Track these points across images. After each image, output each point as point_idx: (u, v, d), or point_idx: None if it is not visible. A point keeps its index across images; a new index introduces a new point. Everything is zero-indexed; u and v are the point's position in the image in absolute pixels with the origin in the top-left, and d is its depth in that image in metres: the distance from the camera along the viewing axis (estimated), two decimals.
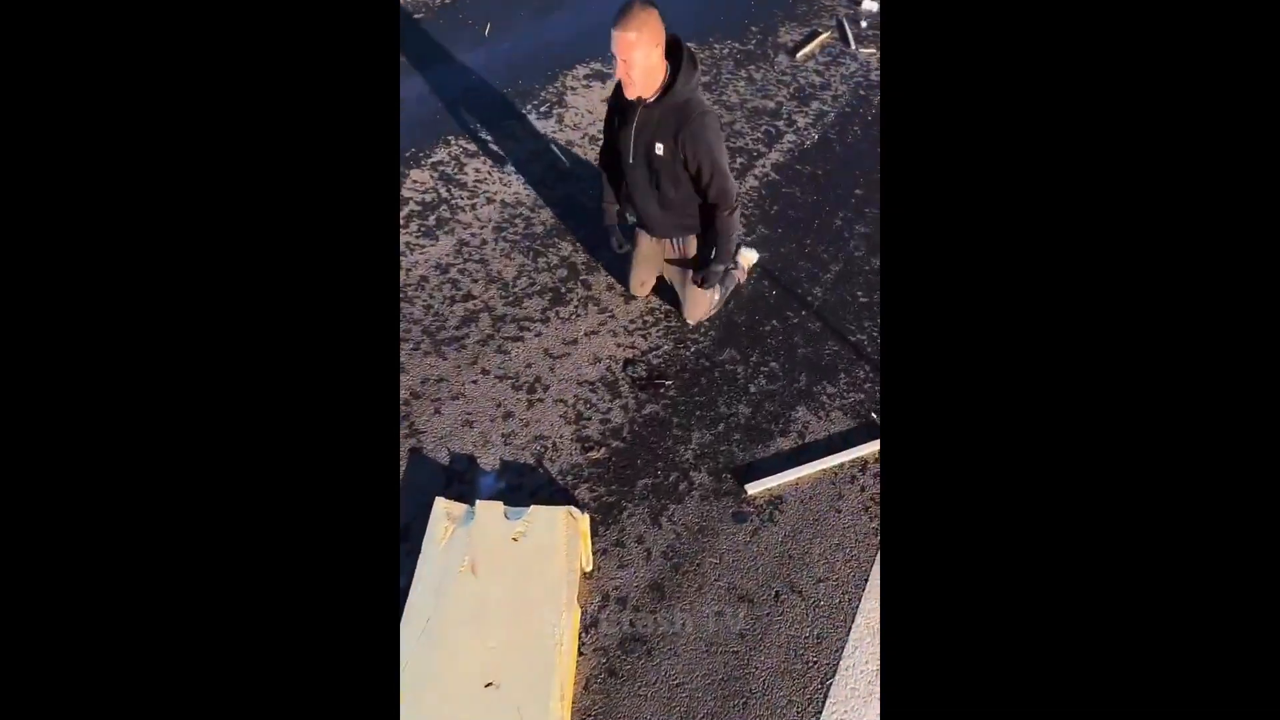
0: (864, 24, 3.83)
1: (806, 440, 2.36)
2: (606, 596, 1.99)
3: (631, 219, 2.58)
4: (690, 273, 2.52)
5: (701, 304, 2.59)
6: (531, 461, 2.27)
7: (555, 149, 3.30)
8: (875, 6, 3.87)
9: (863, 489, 2.26)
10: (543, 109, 3.50)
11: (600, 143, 2.52)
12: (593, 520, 2.14)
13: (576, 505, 2.16)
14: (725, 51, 3.79)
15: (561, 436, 2.33)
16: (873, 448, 2.32)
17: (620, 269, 2.81)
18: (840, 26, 3.83)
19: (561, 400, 2.42)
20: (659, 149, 2.20)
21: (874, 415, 2.42)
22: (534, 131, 3.39)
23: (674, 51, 2.10)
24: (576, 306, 2.70)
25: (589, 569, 2.04)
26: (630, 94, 2.11)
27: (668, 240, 2.53)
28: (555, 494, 2.20)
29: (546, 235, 2.94)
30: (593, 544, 2.09)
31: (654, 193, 2.31)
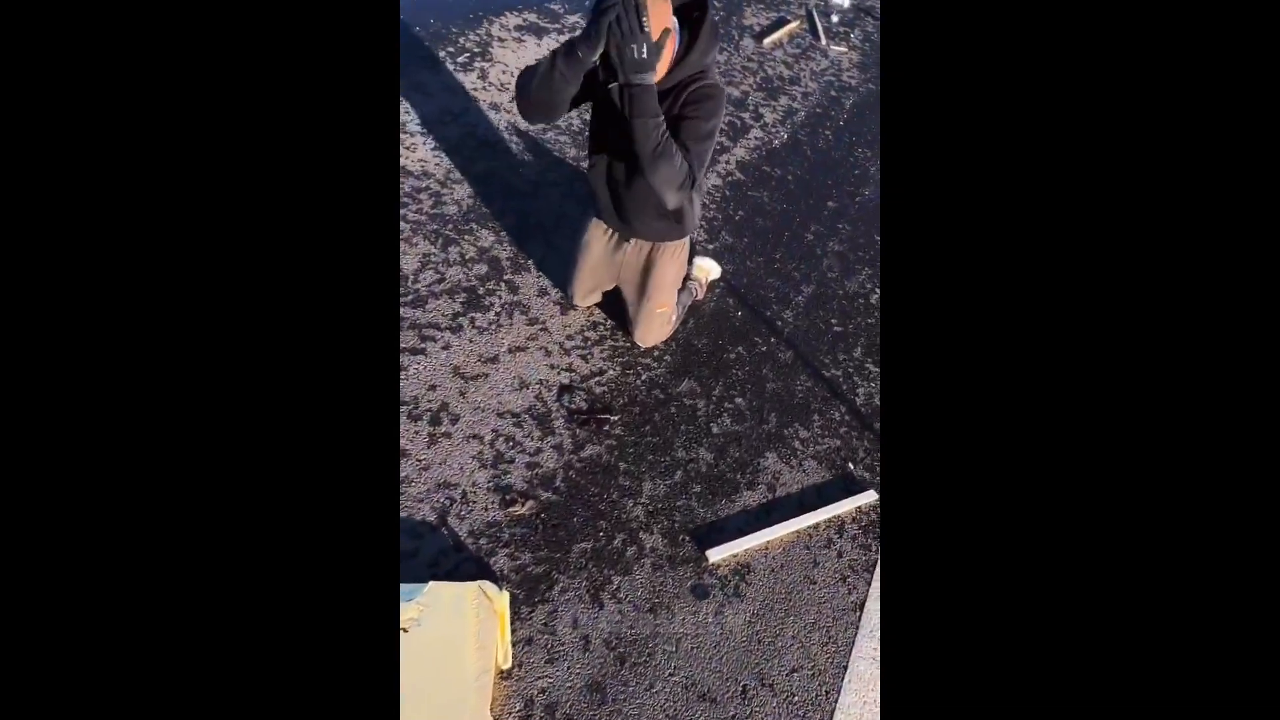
0: (834, 18, 3.57)
1: (777, 494, 2.02)
2: (530, 702, 1.55)
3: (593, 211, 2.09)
4: (650, 290, 2.10)
5: (657, 327, 2.18)
6: (432, 518, 1.77)
7: (477, 111, 2.77)
8: (846, 1, 3.62)
9: (839, 554, 1.95)
10: (460, 60, 2.95)
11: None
12: (513, 598, 1.68)
13: (492, 579, 1.69)
14: None
15: (474, 485, 1.84)
16: (850, 504, 2.02)
17: (558, 270, 2.34)
18: (810, 18, 3.55)
19: (475, 436, 1.93)
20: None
21: (850, 466, 2.13)
22: (449, 85, 2.83)
23: (691, 12, 1.64)
24: (499, 314, 2.21)
25: (506, 665, 1.58)
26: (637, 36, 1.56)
27: (632, 243, 2.10)
28: (463, 564, 1.72)
29: (461, 219, 2.42)
30: (513, 631, 1.63)
31: (640, 187, 1.81)
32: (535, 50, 3.08)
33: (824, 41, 3.44)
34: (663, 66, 1.64)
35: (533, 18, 3.25)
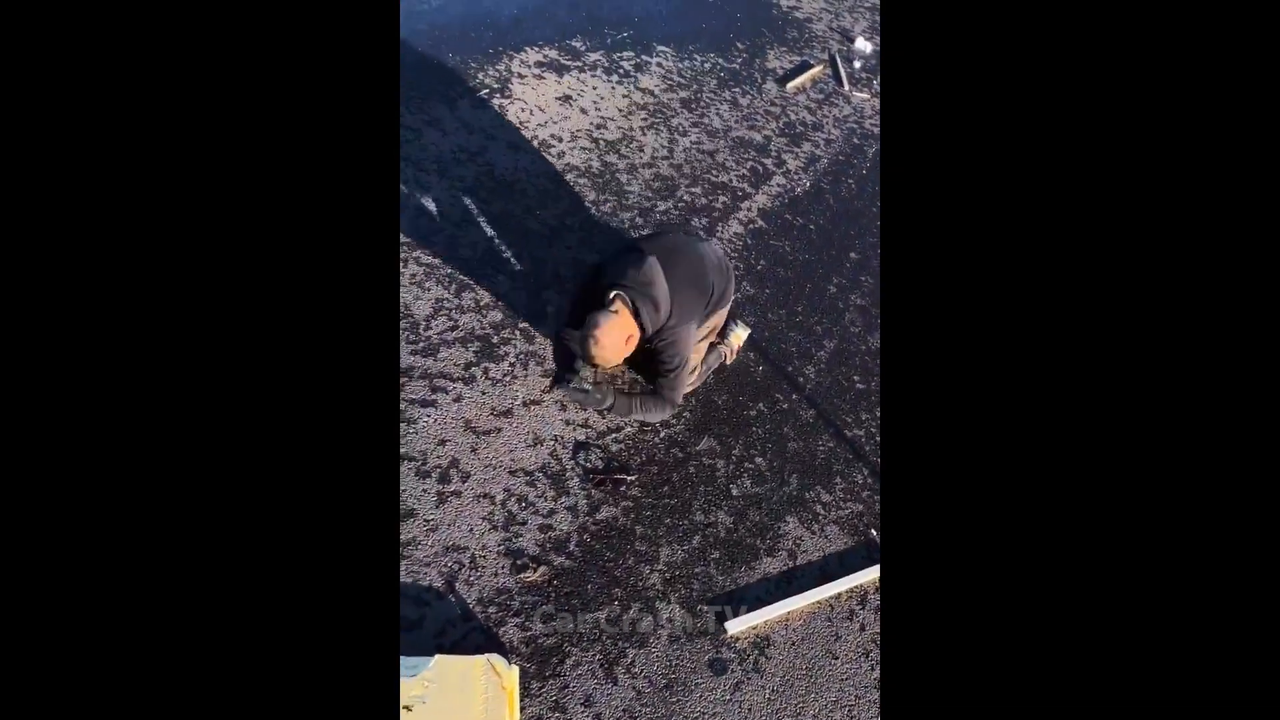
0: (857, 64, 3.61)
1: (798, 561, 1.97)
2: None
3: None
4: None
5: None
6: (439, 584, 1.73)
7: (495, 150, 2.78)
8: (870, 47, 3.67)
9: (862, 627, 1.90)
10: (480, 95, 2.98)
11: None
12: (524, 673, 1.64)
13: (501, 652, 1.65)
14: (707, 66, 3.44)
15: (484, 548, 1.81)
16: (873, 574, 1.98)
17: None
18: (834, 63, 3.59)
19: (486, 495, 1.90)
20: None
21: (874, 533, 2.09)
22: (466, 122, 2.86)
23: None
24: (513, 364, 2.19)
25: None
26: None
27: None
28: (471, 634, 1.67)
29: (476, 263, 2.41)
30: (522, 709, 1.58)
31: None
32: (555, 88, 3.11)
33: (847, 87, 3.48)
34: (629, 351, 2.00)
35: (554, 54, 3.29)
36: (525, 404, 2.11)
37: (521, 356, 2.22)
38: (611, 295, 1.94)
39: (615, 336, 1.91)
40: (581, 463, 2.01)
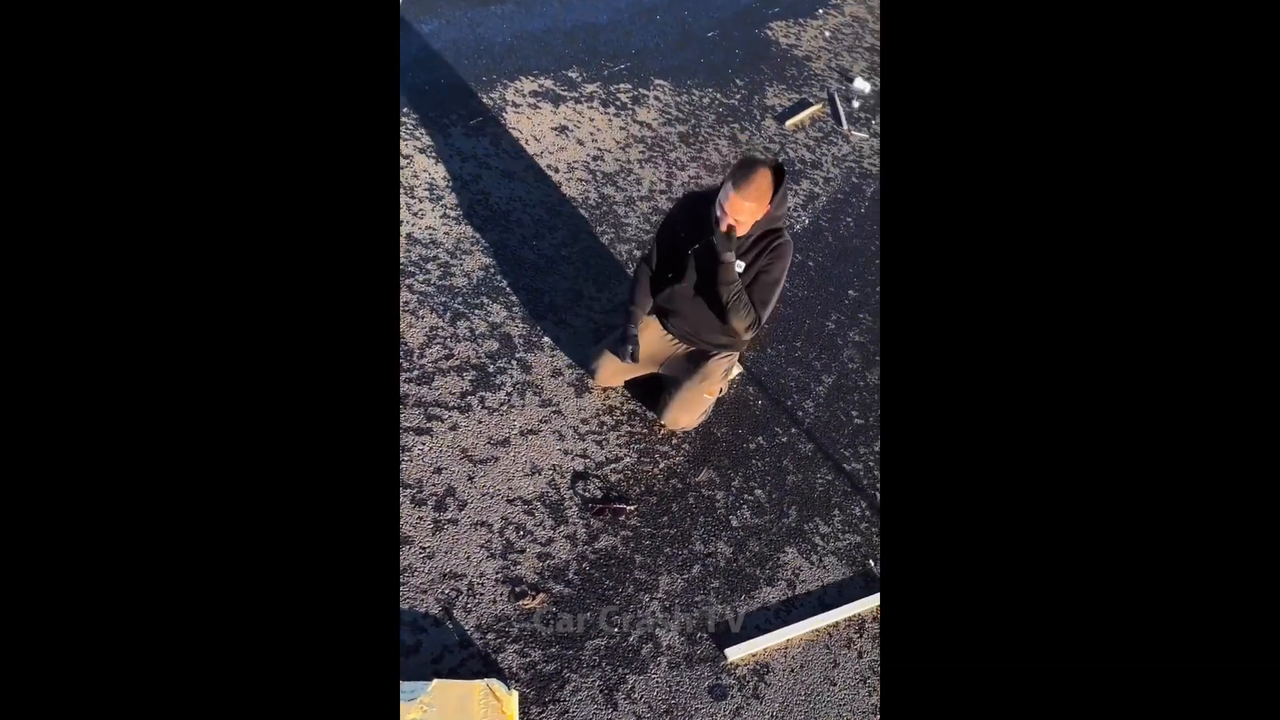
0: (855, 104, 4.03)
1: (797, 591, 2.21)
2: None
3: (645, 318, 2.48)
4: (707, 371, 2.39)
5: (698, 412, 2.44)
6: (436, 611, 1.94)
7: (489, 178, 3.10)
8: (868, 87, 4.10)
9: (860, 655, 2.13)
10: (473, 123, 3.31)
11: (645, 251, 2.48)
12: (522, 699, 1.84)
13: (500, 677, 1.85)
14: (706, 101, 3.83)
15: (482, 576, 2.03)
16: (870, 603, 2.22)
17: (573, 349, 2.60)
18: (832, 102, 4.00)
19: (484, 524, 2.13)
20: (739, 266, 2.28)
21: (871, 564, 2.34)
22: (460, 150, 3.18)
23: (773, 174, 2.18)
24: (510, 394, 2.44)
25: None
26: (724, 228, 2.22)
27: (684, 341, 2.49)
28: (469, 660, 1.88)
29: (471, 292, 2.69)
30: None
31: (704, 317, 2.38)
32: (551, 118, 3.47)
33: (845, 127, 3.88)
34: (746, 228, 2.22)
35: (549, 84, 3.66)
36: (523, 434, 2.36)
37: (519, 386, 2.47)
38: (753, 159, 2.17)
39: (762, 184, 2.11)
40: (580, 492, 2.25)
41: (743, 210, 2.13)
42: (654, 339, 2.45)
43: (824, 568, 2.29)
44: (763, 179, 2.11)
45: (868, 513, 2.45)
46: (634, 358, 2.35)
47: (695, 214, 2.28)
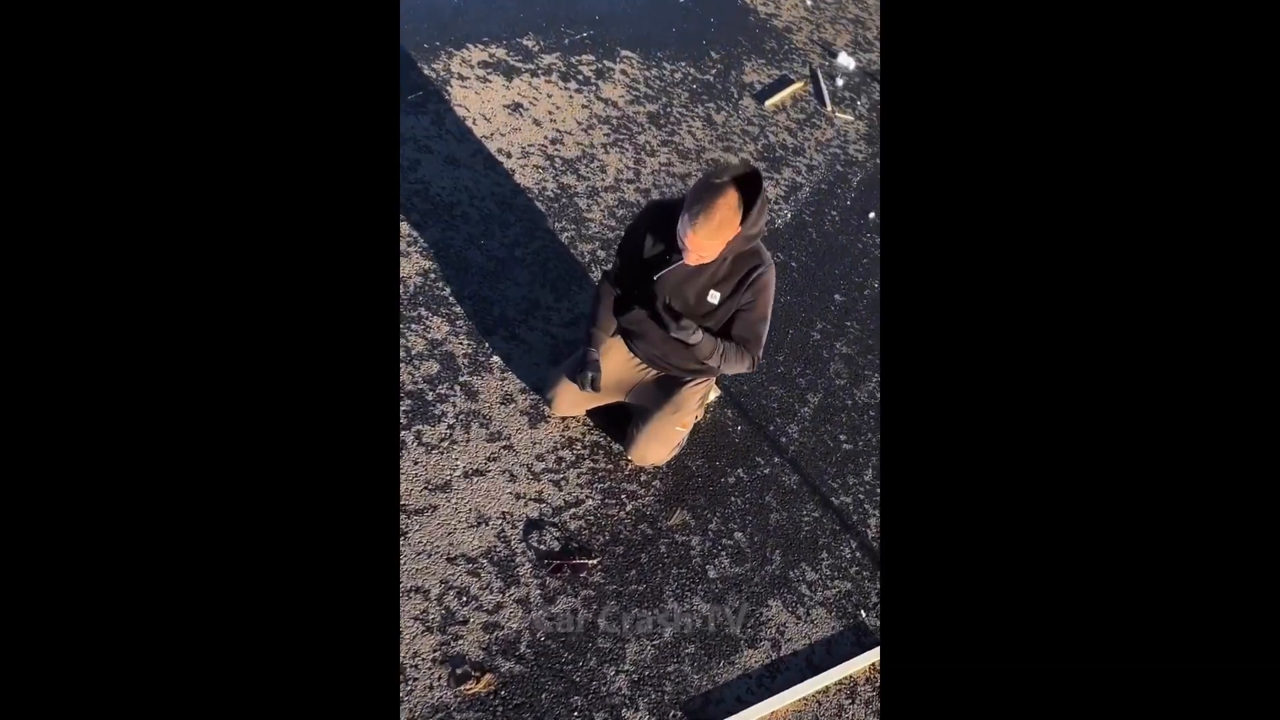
0: (840, 81, 3.75)
1: (782, 651, 1.99)
2: None
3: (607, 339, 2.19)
4: (679, 401, 2.13)
5: (669, 446, 2.18)
6: None
7: (429, 165, 2.76)
8: (852, 63, 3.82)
9: None
10: (410, 99, 2.96)
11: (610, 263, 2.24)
12: None
13: None
14: (678, 76, 3.51)
15: (416, 656, 1.76)
16: (863, 661, 2.02)
17: (526, 370, 2.32)
18: (815, 79, 3.72)
19: (419, 590, 1.85)
20: (713, 296, 2.02)
21: (863, 615, 2.13)
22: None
23: (746, 186, 1.88)
24: (452, 426, 2.16)
25: None
26: (690, 263, 1.95)
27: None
28: None
29: (407, 302, 2.38)
30: None
31: (674, 344, 2.10)
32: (503, 94, 3.12)
33: (829, 107, 3.60)
34: (715, 255, 1.92)
35: (501, 53, 3.30)
36: (466, 475, 2.08)
37: (462, 417, 2.19)
38: (716, 180, 1.85)
39: (726, 211, 1.82)
40: (535, 545, 1.99)
41: (705, 247, 1.86)
42: (619, 364, 2.17)
43: (811, 622, 2.07)
44: (726, 206, 1.81)
45: (858, 554, 2.24)
46: (595, 386, 2.08)
47: (660, 228, 2.00)
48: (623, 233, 2.77)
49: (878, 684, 1.99)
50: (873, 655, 2.04)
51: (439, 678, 1.73)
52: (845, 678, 2.00)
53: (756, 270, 1.97)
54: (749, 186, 1.88)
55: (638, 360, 2.19)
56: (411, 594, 1.83)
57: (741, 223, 1.85)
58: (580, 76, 3.32)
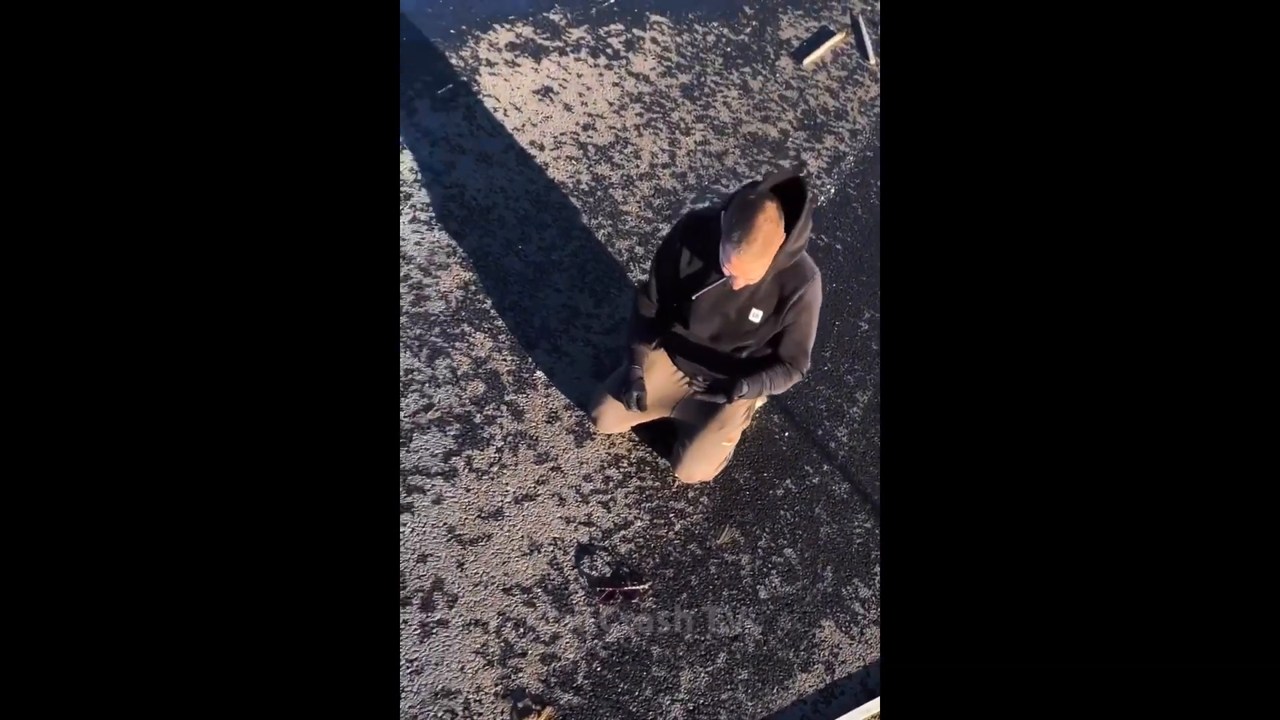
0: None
1: (836, 675, 2.02)
2: None
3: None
4: (725, 416, 2.10)
5: (717, 462, 2.18)
6: None
7: (464, 166, 2.70)
8: None
9: None
10: (441, 93, 2.87)
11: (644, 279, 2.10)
12: None
13: None
14: (710, 40, 3.33)
15: (479, 690, 1.83)
16: None
17: (569, 384, 2.32)
18: (856, 28, 3.49)
19: (478, 623, 1.91)
20: (754, 315, 1.97)
21: None
22: (428, 130, 2.77)
23: (789, 195, 1.82)
24: (501, 450, 2.18)
25: None
26: (738, 286, 1.89)
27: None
28: None
29: (450, 319, 2.37)
30: None
31: (722, 356, 2.08)
32: (532, 78, 3.01)
33: (873, 60, 3.39)
34: (763, 272, 1.85)
35: (528, 32, 3.17)
36: (517, 500, 2.11)
37: (510, 439, 2.20)
38: (753, 194, 1.79)
39: (769, 228, 1.75)
40: (586, 571, 2.03)
41: (752, 270, 1.79)
42: (663, 380, 2.15)
43: (866, 642, 2.09)
44: (768, 222, 1.74)
45: None
46: (641, 405, 2.06)
47: (697, 243, 1.93)
48: (661, 229, 2.70)
49: None
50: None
51: (501, 712, 1.80)
52: None
53: (799, 290, 1.91)
54: (792, 196, 1.79)
55: (682, 374, 2.16)
56: (472, 628, 1.90)
57: (786, 235, 1.78)
58: (610, 50, 3.17)
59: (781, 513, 2.24)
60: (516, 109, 2.93)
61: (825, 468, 2.35)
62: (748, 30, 3.42)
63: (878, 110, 3.29)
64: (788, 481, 2.30)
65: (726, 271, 1.79)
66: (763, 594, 2.10)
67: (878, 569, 2.21)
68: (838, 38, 3.44)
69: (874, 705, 1.97)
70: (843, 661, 2.04)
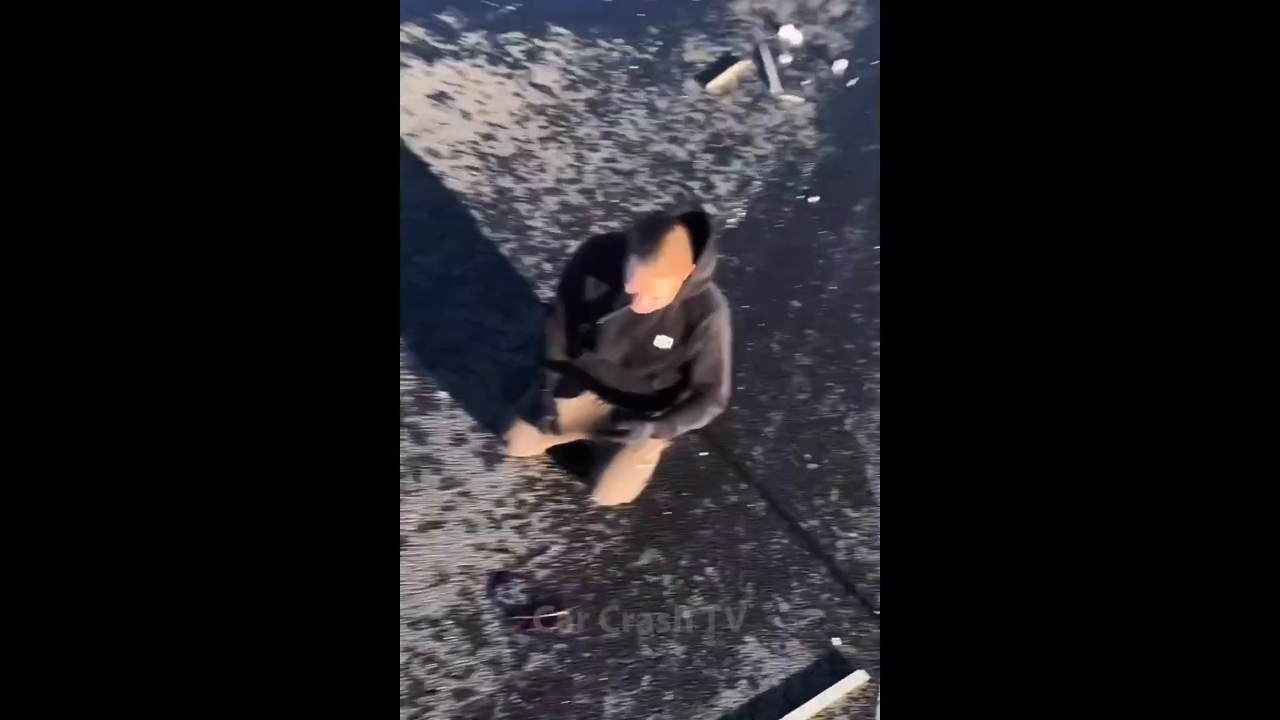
0: (786, 59, 3.65)
1: (760, 688, 2.02)
2: None
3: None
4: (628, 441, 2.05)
5: (631, 481, 2.13)
6: None
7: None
8: (799, 38, 3.72)
9: None
10: None
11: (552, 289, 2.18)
12: None
13: None
14: (615, 56, 3.35)
15: None
16: (839, 691, 2.06)
17: (478, 404, 2.23)
18: (759, 57, 3.61)
19: None
20: (661, 342, 1.95)
21: (835, 641, 2.17)
22: None
23: (694, 228, 1.84)
24: (403, 474, 2.04)
25: None
26: (642, 311, 1.88)
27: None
28: None
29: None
30: None
31: (635, 381, 2.07)
32: (425, 82, 2.91)
33: (775, 89, 3.51)
34: (668, 300, 1.85)
35: (419, 33, 3.07)
36: (422, 529, 1.99)
37: (412, 464, 2.08)
38: (663, 218, 1.82)
39: (678, 249, 1.75)
40: (501, 599, 1.93)
41: (656, 287, 1.79)
42: (577, 402, 2.10)
43: (787, 655, 2.09)
44: (676, 242, 1.76)
45: (828, 579, 2.26)
46: (555, 429, 2.00)
47: (602, 268, 1.92)
48: (569, 246, 2.66)
49: (854, 712, 2.04)
50: (847, 683, 2.08)
51: None
52: (823, 710, 2.04)
53: (705, 319, 1.93)
54: (697, 227, 1.82)
55: (596, 397, 2.12)
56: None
57: (694, 261, 1.80)
58: (509, 58, 3.13)
59: (702, 532, 2.23)
60: (409, 113, 2.82)
61: (743, 486, 2.36)
62: (652, 50, 3.47)
63: (782, 136, 3.40)
64: (707, 500, 2.29)
65: (630, 289, 1.78)
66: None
67: (796, 583, 2.23)
68: (742, 65, 3.55)
69: (795, 716, 1.98)
70: (765, 675, 2.04)
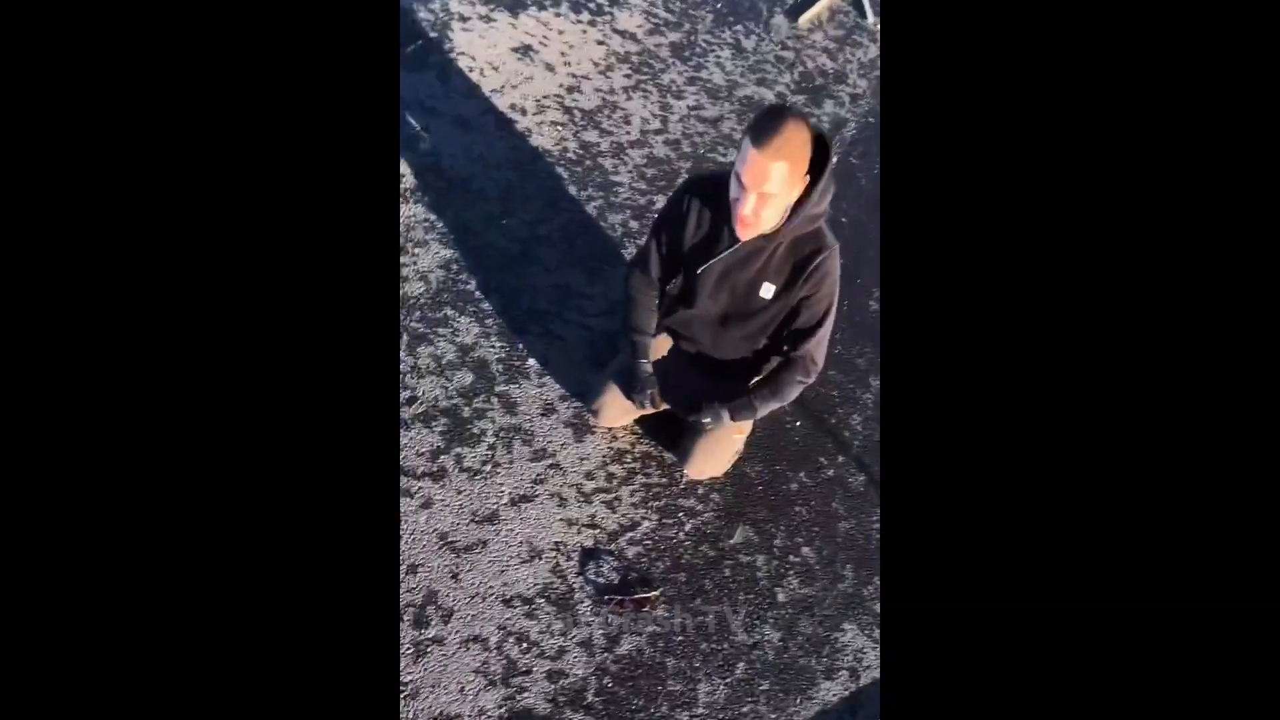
0: None
1: (861, 681, 1.93)
2: None
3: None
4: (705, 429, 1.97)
5: (722, 454, 2.04)
6: None
7: (438, 131, 2.49)
8: None
9: None
10: (410, 50, 2.66)
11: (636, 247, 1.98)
12: None
13: None
14: None
15: (481, 714, 1.70)
16: None
17: (565, 371, 2.16)
18: None
19: (477, 639, 1.77)
20: (765, 290, 1.79)
21: None
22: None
23: (811, 154, 1.61)
24: (493, 446, 2.01)
25: None
26: (745, 234, 1.69)
27: None
28: None
29: (431, 302, 2.19)
30: None
31: (731, 342, 1.93)
32: (510, 35, 2.79)
33: (870, 18, 3.24)
34: (774, 219, 1.67)
35: None
36: (513, 502, 1.95)
37: (503, 434, 2.04)
38: (784, 110, 1.61)
39: (796, 140, 1.53)
40: (592, 578, 1.89)
41: (768, 176, 1.53)
42: (674, 360, 2.01)
43: None
44: (796, 133, 1.53)
45: None
46: (654, 403, 1.92)
47: (702, 210, 1.77)
48: (656, 202, 2.53)
49: None
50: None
51: None
52: None
53: (817, 257, 1.74)
54: (816, 142, 1.61)
55: (688, 358, 2.02)
56: (470, 644, 1.75)
57: (809, 188, 1.62)
58: (592, 5, 2.96)
59: (797, 508, 2.12)
60: (494, 69, 2.71)
61: (840, 459, 2.23)
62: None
63: (877, 72, 3.15)
64: (801, 474, 2.18)
65: (739, 185, 1.58)
66: (781, 596, 1.99)
67: None
68: None
69: None
70: (867, 666, 1.95)
